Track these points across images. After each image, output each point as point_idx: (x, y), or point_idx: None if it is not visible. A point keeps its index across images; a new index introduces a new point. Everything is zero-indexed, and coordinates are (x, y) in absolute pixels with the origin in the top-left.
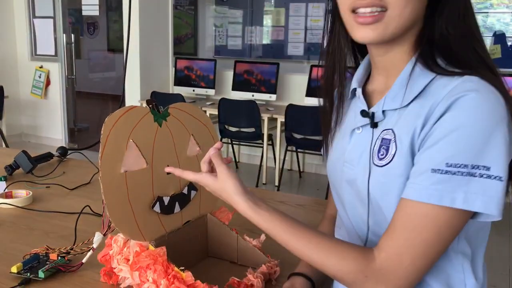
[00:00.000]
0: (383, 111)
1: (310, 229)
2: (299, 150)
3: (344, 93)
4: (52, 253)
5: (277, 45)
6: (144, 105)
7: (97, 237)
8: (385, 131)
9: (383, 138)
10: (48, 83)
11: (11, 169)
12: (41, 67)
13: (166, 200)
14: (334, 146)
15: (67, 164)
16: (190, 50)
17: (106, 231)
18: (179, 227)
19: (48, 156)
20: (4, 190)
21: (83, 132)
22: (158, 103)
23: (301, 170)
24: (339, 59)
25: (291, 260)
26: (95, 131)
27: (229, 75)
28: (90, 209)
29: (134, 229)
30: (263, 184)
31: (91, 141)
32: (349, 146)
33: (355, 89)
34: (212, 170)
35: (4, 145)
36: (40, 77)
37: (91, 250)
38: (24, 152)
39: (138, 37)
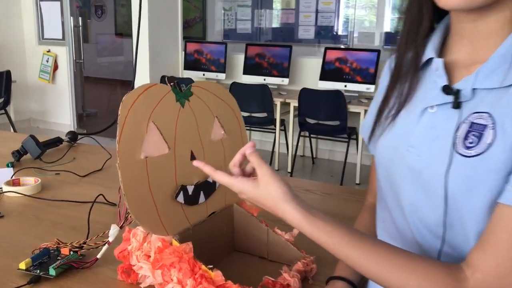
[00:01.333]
0: (473, 89)
1: (381, 243)
2: (312, 135)
3: (418, 62)
4: (64, 247)
5: (287, 29)
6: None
7: (113, 230)
8: (476, 114)
9: (473, 123)
10: (55, 67)
11: (18, 154)
12: (48, 51)
13: (190, 189)
14: (393, 125)
15: (78, 150)
16: (199, 34)
17: (123, 223)
18: (204, 219)
19: (57, 141)
20: (11, 177)
21: (92, 117)
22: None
23: (314, 156)
24: (417, 21)
25: (328, 256)
26: (104, 117)
27: (240, 59)
28: (104, 198)
29: (156, 222)
30: (276, 170)
31: (99, 126)
32: (418, 127)
33: (430, 59)
34: (243, 174)
35: (12, 131)
36: (47, 61)
37: (106, 244)
38: (32, 136)
39: (147, 21)
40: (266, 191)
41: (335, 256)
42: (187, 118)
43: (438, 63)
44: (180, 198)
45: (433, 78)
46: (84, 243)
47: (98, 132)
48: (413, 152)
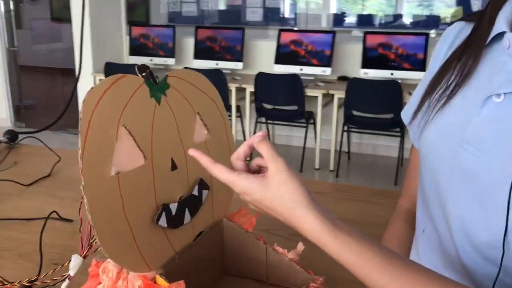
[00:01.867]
0: None
1: (422, 268)
2: (269, 121)
3: (486, 36)
4: None
5: (234, 11)
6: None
7: (75, 261)
8: None
9: None
10: None
11: None
12: None
13: (173, 208)
14: (444, 111)
15: (19, 152)
16: (142, 18)
17: (87, 251)
18: (190, 243)
19: None
20: None
21: (31, 110)
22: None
23: (272, 142)
24: None
25: (337, 274)
26: (44, 108)
27: (189, 43)
28: (57, 213)
29: (135, 256)
30: None
31: (41, 119)
32: (477, 119)
33: (500, 34)
34: (249, 171)
35: None
36: None
37: (67, 279)
38: None
39: (88, 5)
40: (278, 192)
41: (363, 282)
42: (165, 117)
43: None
44: (163, 221)
45: (503, 58)
46: (36, 279)
47: (42, 129)
48: (468, 150)
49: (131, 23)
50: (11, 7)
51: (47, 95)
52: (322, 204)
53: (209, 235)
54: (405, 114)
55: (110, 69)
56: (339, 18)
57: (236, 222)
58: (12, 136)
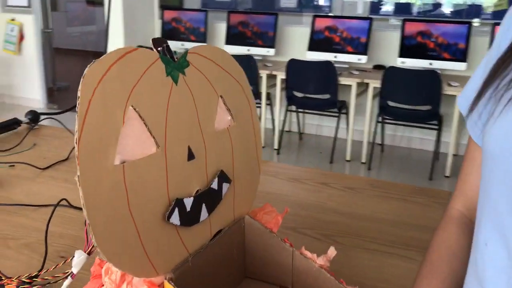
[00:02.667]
0: None
1: None
2: (300, 110)
3: None
4: (8, 284)
5: None
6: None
7: (78, 258)
8: None
9: None
10: (21, 37)
11: None
12: (13, 19)
13: (188, 203)
14: None
15: (39, 133)
16: (175, 3)
17: (91, 248)
18: (207, 243)
19: (14, 123)
20: None
21: (63, 91)
22: None
23: (301, 131)
24: None
25: (370, 282)
26: (77, 90)
27: (221, 28)
28: (67, 201)
29: (140, 258)
30: (262, 147)
31: (73, 102)
32: None
33: None
34: None
35: None
36: (12, 31)
37: (69, 278)
38: None
39: None
40: None
41: None
42: (183, 99)
43: None
44: (175, 219)
45: None
46: (37, 275)
47: (64, 111)
48: None
49: (163, 7)
50: None
51: (80, 77)
52: (354, 200)
53: (229, 234)
54: (463, 101)
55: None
56: (375, 6)
57: (260, 221)
58: (33, 116)
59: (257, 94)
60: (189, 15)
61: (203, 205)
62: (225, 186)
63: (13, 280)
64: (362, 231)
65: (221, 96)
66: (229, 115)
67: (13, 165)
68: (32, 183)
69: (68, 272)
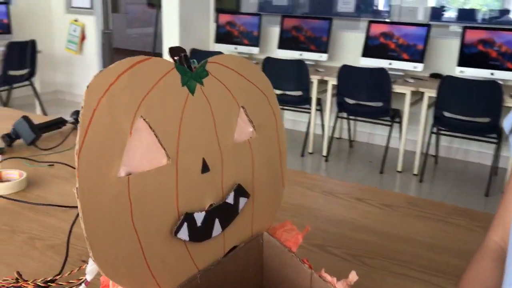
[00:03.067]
0: None
1: None
2: (351, 117)
3: None
4: (24, 287)
5: (325, 2)
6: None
7: (92, 265)
8: None
9: None
10: (83, 37)
11: (9, 139)
12: (76, 20)
13: (199, 218)
14: None
15: None
16: (232, 6)
17: None
18: (218, 259)
19: (58, 122)
20: None
21: None
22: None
23: (352, 139)
24: None
25: None
26: None
27: (275, 32)
28: None
29: (143, 274)
30: (309, 153)
31: None
32: None
33: None
34: None
35: (38, 103)
36: (75, 31)
37: (82, 285)
38: (25, 117)
39: None
40: None
41: None
42: (199, 110)
43: None
44: (183, 234)
45: None
46: (53, 280)
47: None
48: None
49: (218, 10)
50: None
51: None
52: (389, 219)
53: (245, 251)
54: (508, 123)
55: (195, 55)
56: (437, 12)
57: (279, 238)
58: (78, 116)
59: (307, 100)
60: (244, 19)
61: (216, 220)
62: (242, 200)
63: (29, 283)
64: (393, 253)
65: (242, 107)
66: (251, 126)
67: (52, 165)
68: (67, 183)
69: (82, 279)
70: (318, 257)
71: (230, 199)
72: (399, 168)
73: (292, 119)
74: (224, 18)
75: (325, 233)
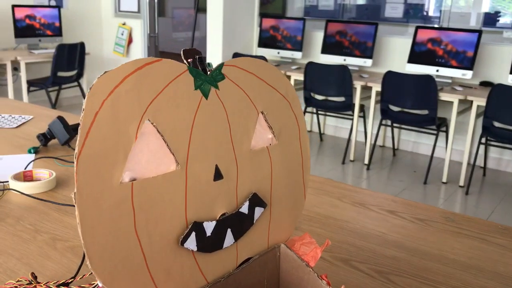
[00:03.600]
0: None
1: None
2: (395, 125)
3: None
4: None
5: (373, 6)
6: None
7: None
8: None
9: None
10: (130, 41)
11: (44, 138)
12: (124, 24)
13: (209, 227)
14: None
15: None
16: (278, 11)
17: None
18: (230, 271)
19: None
20: (25, 168)
21: None
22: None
23: (395, 147)
24: None
25: None
26: None
27: (318, 37)
28: None
29: (144, 286)
30: (351, 161)
31: None
32: None
33: None
34: None
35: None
36: (122, 34)
37: None
38: (60, 118)
39: None
40: None
41: None
42: (213, 115)
43: None
44: (191, 243)
45: None
46: (65, 284)
47: None
48: None
49: (262, 15)
50: None
51: None
52: (422, 235)
53: (260, 263)
54: None
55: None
56: (491, 18)
57: (297, 252)
58: None
59: (350, 106)
60: (287, 23)
61: (229, 230)
62: (258, 210)
63: (41, 286)
64: (424, 272)
65: (262, 112)
66: (270, 133)
67: None
68: None
69: (94, 283)
70: (342, 271)
71: (244, 209)
72: (444, 179)
73: (334, 126)
74: (268, 22)
75: (351, 247)
